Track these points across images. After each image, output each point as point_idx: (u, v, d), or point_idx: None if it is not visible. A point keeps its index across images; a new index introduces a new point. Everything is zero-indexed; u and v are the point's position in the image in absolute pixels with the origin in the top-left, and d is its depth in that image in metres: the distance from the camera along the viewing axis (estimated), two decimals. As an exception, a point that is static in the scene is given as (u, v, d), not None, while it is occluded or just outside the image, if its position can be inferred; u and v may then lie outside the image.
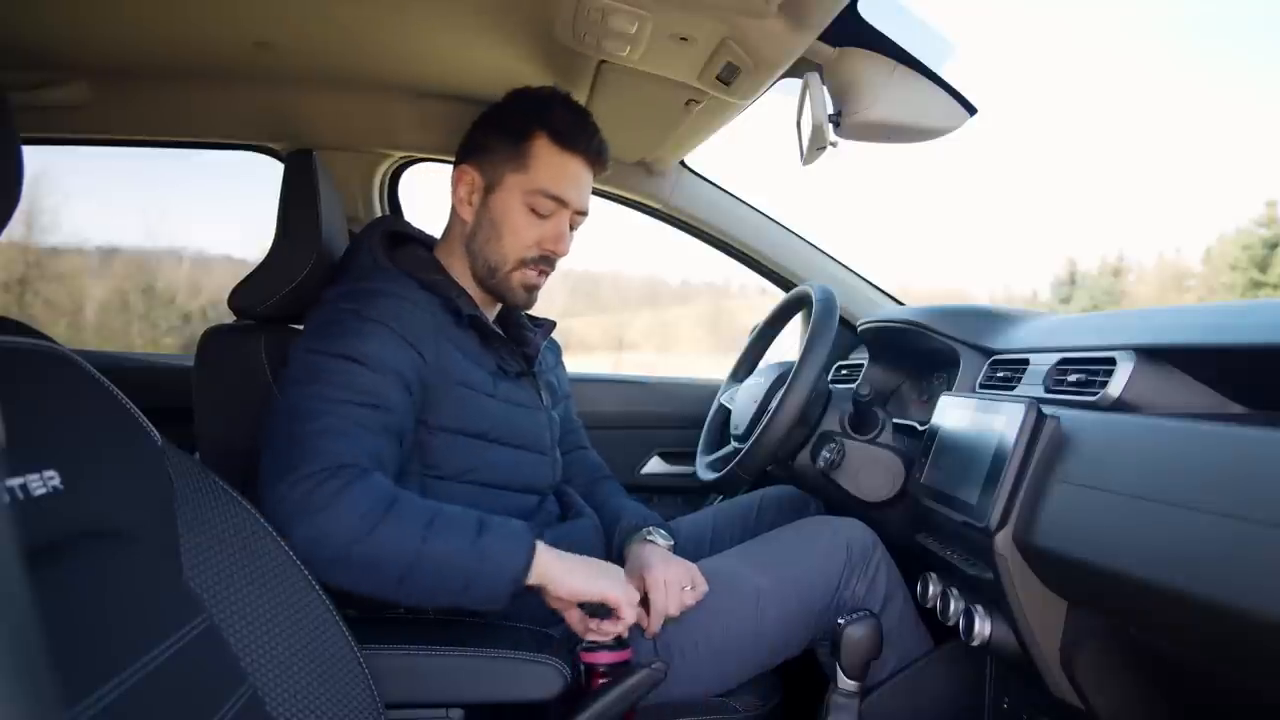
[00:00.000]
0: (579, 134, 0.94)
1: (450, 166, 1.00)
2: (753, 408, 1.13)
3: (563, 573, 0.78)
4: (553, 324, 1.12)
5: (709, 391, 1.42)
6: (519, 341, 1.04)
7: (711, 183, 1.50)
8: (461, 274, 0.98)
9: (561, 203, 0.94)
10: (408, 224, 1.06)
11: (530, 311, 1.08)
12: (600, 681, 0.80)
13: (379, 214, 1.45)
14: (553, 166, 0.93)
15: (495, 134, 0.96)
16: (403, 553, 0.72)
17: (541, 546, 0.79)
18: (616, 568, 0.84)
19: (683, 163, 1.45)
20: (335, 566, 0.71)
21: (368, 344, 0.82)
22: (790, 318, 1.31)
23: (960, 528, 0.80)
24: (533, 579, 0.77)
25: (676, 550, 1.00)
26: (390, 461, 0.81)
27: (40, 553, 0.45)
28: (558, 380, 1.16)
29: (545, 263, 0.97)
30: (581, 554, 0.83)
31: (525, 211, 0.94)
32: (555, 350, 1.20)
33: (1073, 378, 0.80)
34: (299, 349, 0.85)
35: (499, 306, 1.05)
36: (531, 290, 0.99)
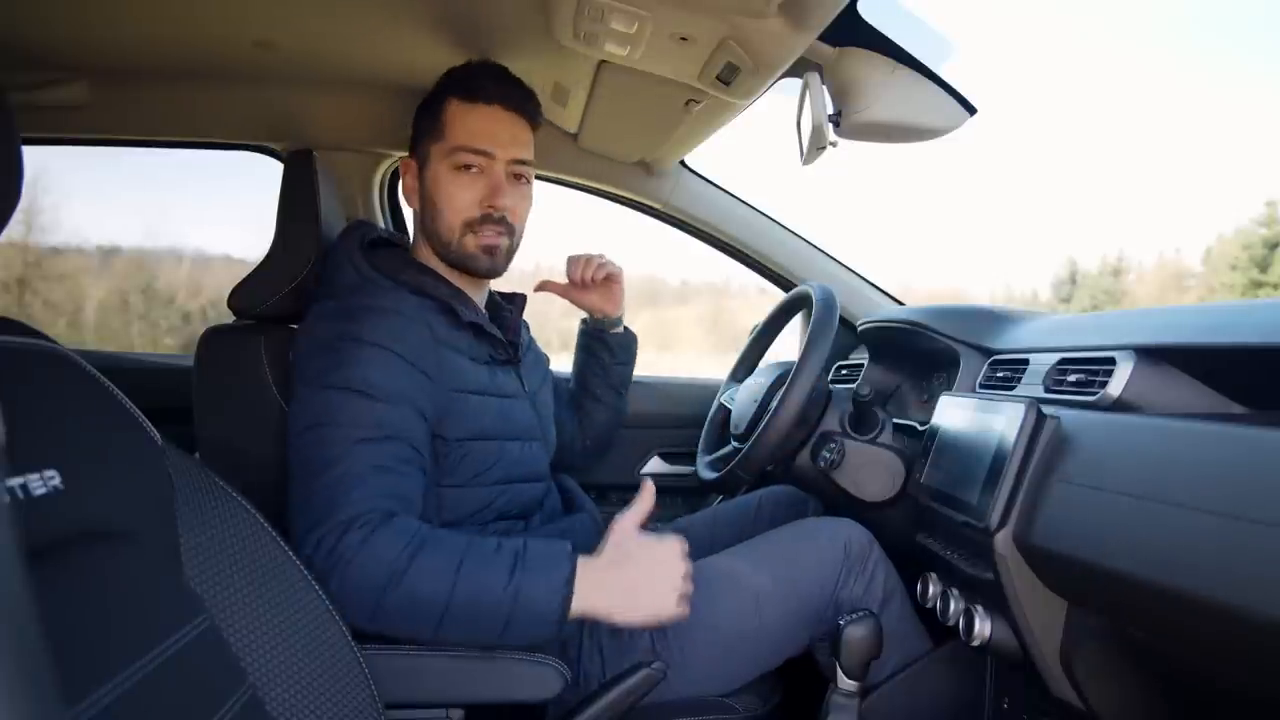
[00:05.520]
0: (483, 84, 0.94)
1: None
2: (753, 408, 1.13)
3: (608, 609, 0.75)
4: (524, 297, 1.12)
5: (709, 391, 1.42)
6: (501, 325, 1.03)
7: (711, 183, 1.49)
8: (437, 266, 0.98)
9: (483, 154, 0.93)
10: (379, 229, 1.04)
11: (500, 288, 1.08)
12: None
13: (379, 214, 1.45)
14: (464, 121, 0.93)
15: (420, 118, 0.98)
16: (435, 599, 0.71)
17: (583, 575, 0.74)
18: (663, 560, 0.79)
19: (683, 163, 1.45)
20: (370, 618, 0.72)
21: (373, 373, 0.80)
22: (790, 318, 1.31)
23: (960, 528, 0.80)
24: (575, 615, 0.74)
25: None
26: (414, 494, 0.80)
27: (40, 553, 0.45)
28: (537, 357, 1.15)
29: (493, 222, 0.94)
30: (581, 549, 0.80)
31: (453, 176, 0.93)
32: (526, 327, 1.18)
33: (1073, 378, 0.80)
34: (300, 381, 0.83)
35: (486, 289, 1.04)
36: (492, 252, 0.95)
